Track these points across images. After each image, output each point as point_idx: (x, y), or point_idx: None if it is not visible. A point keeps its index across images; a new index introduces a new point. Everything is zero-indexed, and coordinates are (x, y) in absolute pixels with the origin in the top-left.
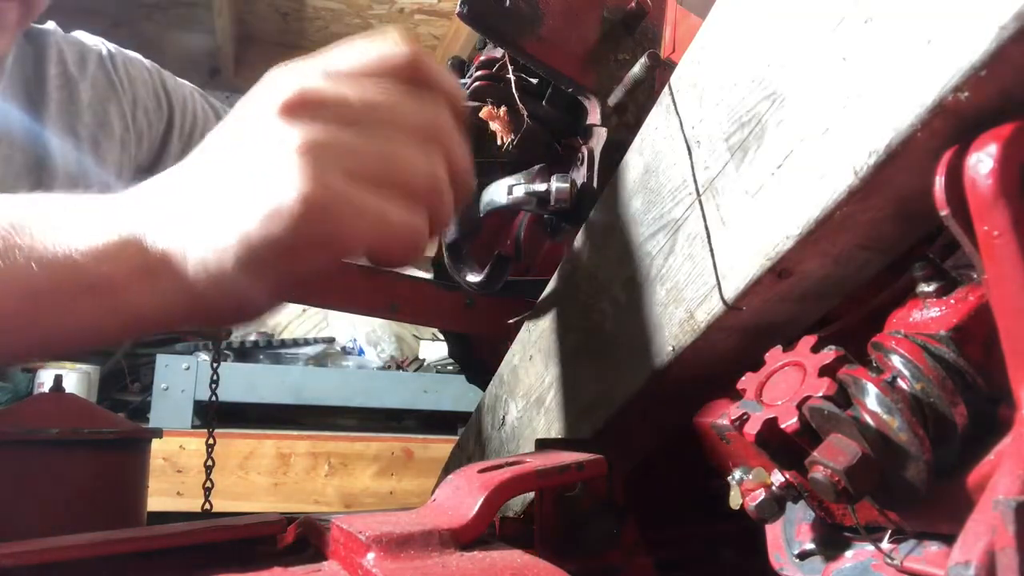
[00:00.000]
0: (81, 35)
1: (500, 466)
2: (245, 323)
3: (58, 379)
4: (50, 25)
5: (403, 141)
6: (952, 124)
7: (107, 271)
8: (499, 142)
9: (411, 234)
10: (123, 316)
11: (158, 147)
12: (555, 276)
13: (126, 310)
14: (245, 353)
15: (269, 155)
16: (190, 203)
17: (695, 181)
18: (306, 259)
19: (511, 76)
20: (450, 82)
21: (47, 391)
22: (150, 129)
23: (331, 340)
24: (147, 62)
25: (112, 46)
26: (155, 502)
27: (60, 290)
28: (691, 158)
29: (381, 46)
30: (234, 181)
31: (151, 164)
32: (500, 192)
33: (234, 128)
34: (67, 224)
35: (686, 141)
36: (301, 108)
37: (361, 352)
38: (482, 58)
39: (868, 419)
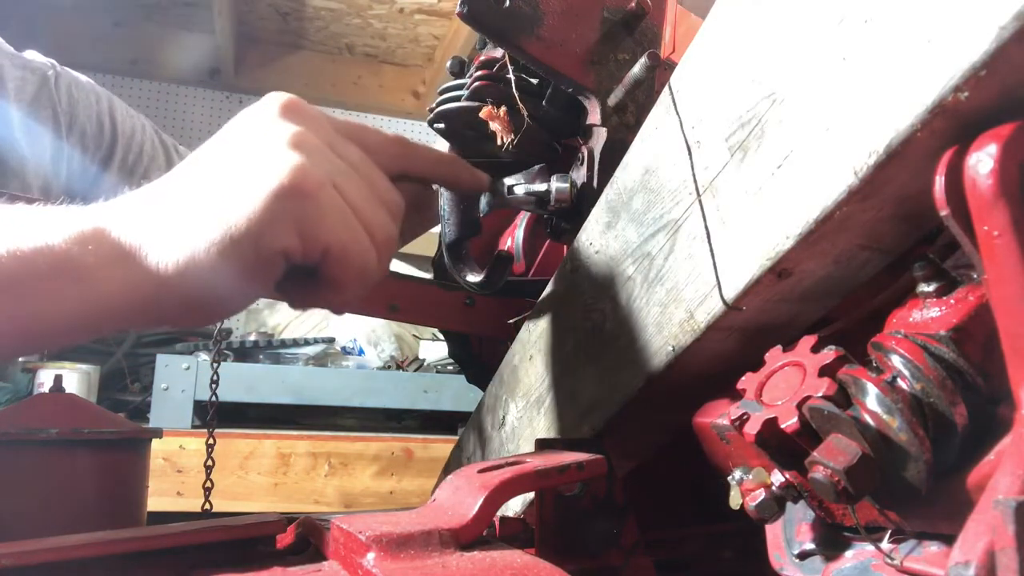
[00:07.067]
0: (31, 54)
1: (500, 466)
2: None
3: (58, 379)
4: None
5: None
6: (952, 124)
7: (78, 254)
8: (499, 142)
9: (367, 248)
10: (94, 304)
11: (96, 172)
12: (555, 276)
13: (97, 297)
14: (245, 353)
15: (263, 142)
16: (169, 197)
17: (695, 181)
18: (278, 237)
19: (511, 76)
20: (378, 137)
21: (47, 391)
22: (86, 152)
23: (331, 340)
24: (100, 89)
25: (61, 68)
26: (155, 502)
27: (32, 275)
28: (691, 158)
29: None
30: (221, 169)
31: (86, 188)
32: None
33: (228, 129)
34: (42, 218)
35: (686, 141)
36: (296, 112)
37: (361, 352)
38: (482, 58)
39: (868, 419)
